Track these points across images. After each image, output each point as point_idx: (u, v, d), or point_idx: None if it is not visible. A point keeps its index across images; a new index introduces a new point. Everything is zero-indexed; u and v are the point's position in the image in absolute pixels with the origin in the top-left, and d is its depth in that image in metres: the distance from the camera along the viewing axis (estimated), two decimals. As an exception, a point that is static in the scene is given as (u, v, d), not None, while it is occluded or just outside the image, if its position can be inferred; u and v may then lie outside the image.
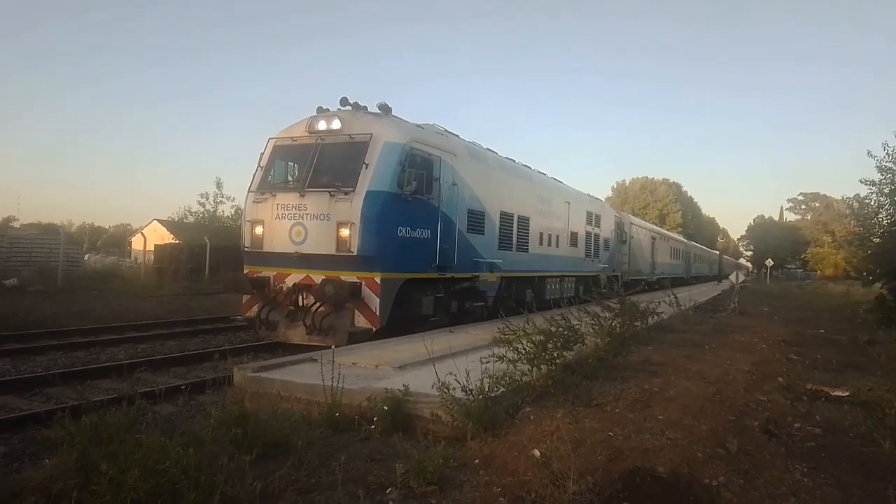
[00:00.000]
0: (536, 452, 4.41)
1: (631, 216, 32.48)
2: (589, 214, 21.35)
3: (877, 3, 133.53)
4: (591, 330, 8.63)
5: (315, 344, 9.85)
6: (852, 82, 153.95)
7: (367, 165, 10.23)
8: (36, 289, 20.22)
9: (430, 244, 11.22)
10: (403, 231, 10.55)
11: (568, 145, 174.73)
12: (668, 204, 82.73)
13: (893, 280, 18.59)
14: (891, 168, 18.34)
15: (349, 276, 10.16)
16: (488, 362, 5.89)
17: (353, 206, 10.07)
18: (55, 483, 3.84)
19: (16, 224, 45.39)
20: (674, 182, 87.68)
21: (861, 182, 19.79)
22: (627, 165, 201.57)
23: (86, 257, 33.44)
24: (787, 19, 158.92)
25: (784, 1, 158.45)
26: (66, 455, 4.07)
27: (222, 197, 38.49)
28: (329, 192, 10.35)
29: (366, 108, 11.38)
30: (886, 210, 19.66)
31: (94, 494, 3.56)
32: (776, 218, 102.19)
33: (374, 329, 10.10)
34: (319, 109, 11.47)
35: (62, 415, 4.53)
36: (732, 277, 23.97)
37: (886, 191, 18.89)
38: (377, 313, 10.07)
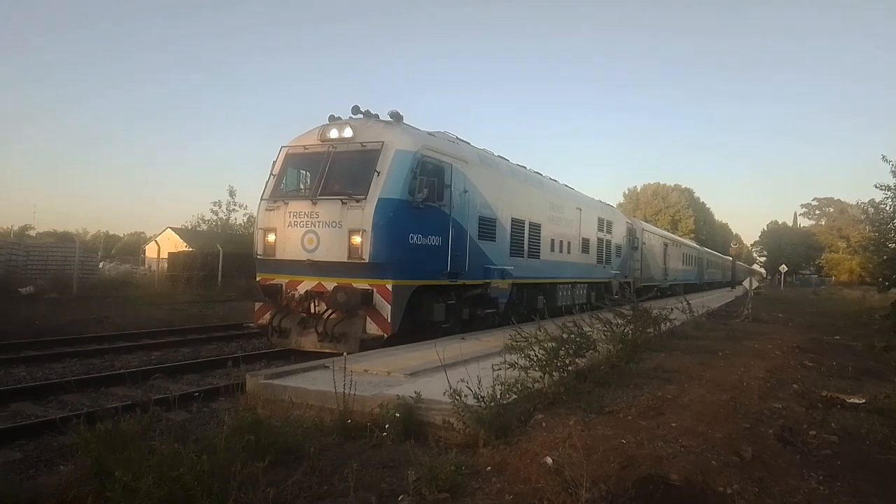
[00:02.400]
0: (549, 460, 4.40)
1: (643, 222, 32.34)
2: (600, 221, 21.29)
3: (890, 11, 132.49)
4: (604, 336, 8.59)
5: (327, 351, 9.89)
6: (866, 87, 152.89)
7: (378, 173, 10.27)
8: (52, 296, 20.45)
9: (441, 251, 11.24)
10: (415, 238, 10.57)
11: (579, 152, 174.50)
12: (680, 210, 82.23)
13: (910, 285, 18.38)
14: (905, 172, 18.15)
15: (361, 284, 10.19)
16: (500, 369, 5.88)
17: (364, 214, 10.11)
18: (70, 489, 3.88)
19: (32, 233, 46.07)
20: (686, 188, 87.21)
21: (876, 187, 19.58)
22: (639, 171, 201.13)
23: (100, 265, 33.72)
24: (800, 26, 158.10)
25: (797, 9, 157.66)
26: (80, 461, 4.12)
27: (235, 205, 38.92)
28: (341, 199, 10.40)
29: (377, 116, 11.44)
30: (902, 214, 19.45)
31: (108, 501, 3.60)
32: (790, 223, 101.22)
33: (385, 336, 10.11)
34: (331, 118, 11.55)
35: (77, 421, 4.58)
36: (746, 283, 23.79)
37: (902, 195, 18.69)
38: (389, 320, 10.09)
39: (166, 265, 30.83)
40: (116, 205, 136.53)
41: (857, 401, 7.44)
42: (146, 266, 39.73)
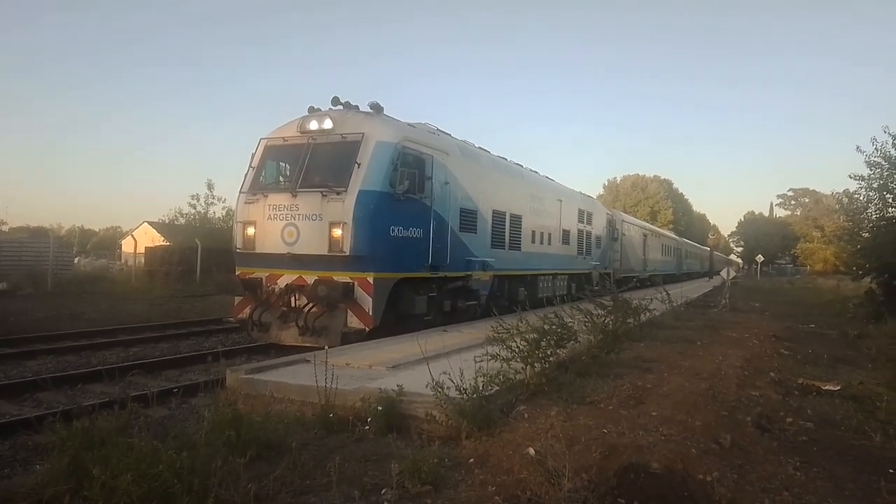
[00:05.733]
0: (531, 450, 4.42)
1: (622, 213, 32.58)
2: (581, 212, 21.40)
3: (868, 4, 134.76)
4: (584, 327, 8.64)
5: (308, 345, 9.82)
6: (842, 78, 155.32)
7: (359, 165, 10.20)
8: (26, 293, 20.09)
9: (422, 243, 11.21)
10: (396, 230, 10.53)
11: (559, 143, 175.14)
12: (659, 201, 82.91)
13: (883, 274, 18.76)
14: (879, 163, 18.49)
15: (342, 277, 10.14)
16: (482, 361, 5.89)
17: (345, 206, 10.05)
18: (47, 489, 3.80)
19: (4, 228, 45.09)
20: (665, 179, 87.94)
21: (850, 177, 19.93)
22: (618, 163, 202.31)
23: (76, 260, 33.18)
24: (778, 16, 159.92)
25: (776, 3, 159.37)
26: (57, 460, 4.03)
27: (213, 198, 38.27)
28: (321, 192, 10.31)
29: (357, 107, 11.34)
30: (875, 205, 19.81)
31: (86, 500, 3.54)
32: (766, 214, 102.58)
33: (367, 329, 10.07)
34: (311, 109, 11.42)
35: (53, 420, 4.49)
36: (723, 273, 24.12)
37: (875, 186, 19.02)
38: (370, 313, 10.05)
39: (143, 260, 30.42)
40: (92, 199, 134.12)
41: (832, 388, 7.60)
42: (123, 261, 39.16)
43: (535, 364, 6.37)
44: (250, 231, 10.94)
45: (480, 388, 5.35)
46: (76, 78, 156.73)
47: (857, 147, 18.81)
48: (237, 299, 11.23)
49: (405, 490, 3.98)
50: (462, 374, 5.35)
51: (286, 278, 10.66)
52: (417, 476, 4.06)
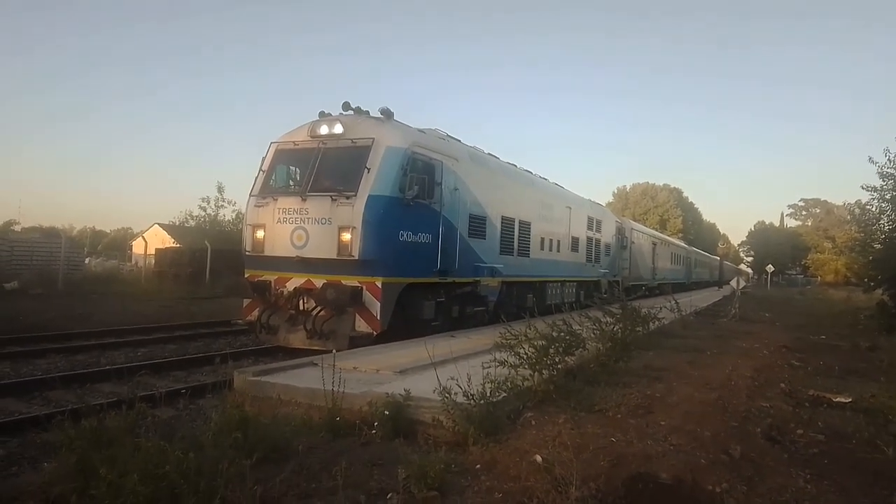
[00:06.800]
0: (538, 458, 4.39)
1: (632, 221, 32.48)
2: (590, 220, 21.34)
3: (876, 11, 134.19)
4: (593, 335, 8.60)
5: (316, 348, 9.83)
6: (853, 88, 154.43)
7: (368, 170, 10.22)
8: (37, 292, 20.24)
9: (431, 249, 11.21)
10: (405, 235, 10.54)
11: (569, 150, 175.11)
12: (668, 209, 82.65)
13: (895, 286, 18.59)
14: (892, 174, 18.38)
15: (350, 281, 10.15)
16: (490, 367, 5.87)
17: (354, 211, 10.07)
18: (54, 487, 3.82)
19: (17, 228, 45.38)
20: (674, 188, 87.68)
21: (862, 188, 19.83)
22: (628, 171, 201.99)
23: (87, 261, 33.43)
24: (788, 28, 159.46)
25: (782, 12, 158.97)
26: (65, 459, 4.05)
27: (223, 201, 38.55)
28: (331, 196, 10.34)
29: (368, 112, 11.38)
30: (888, 216, 19.69)
31: (93, 499, 3.54)
32: (777, 224, 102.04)
33: (374, 333, 10.07)
34: (321, 114, 11.47)
35: (62, 418, 4.51)
36: (733, 283, 23.96)
37: (888, 197, 18.92)
38: (378, 318, 10.05)
39: (153, 261, 30.61)
40: (104, 200, 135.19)
41: (843, 400, 7.52)
42: (133, 262, 39.43)
43: (543, 371, 6.35)
44: (260, 234, 10.98)
45: (488, 394, 5.32)
46: (89, 81, 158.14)
47: (870, 158, 18.74)
48: (246, 302, 11.26)
49: (411, 495, 3.96)
50: (470, 379, 5.34)
51: (295, 281, 10.68)
52: (424, 481, 4.03)
